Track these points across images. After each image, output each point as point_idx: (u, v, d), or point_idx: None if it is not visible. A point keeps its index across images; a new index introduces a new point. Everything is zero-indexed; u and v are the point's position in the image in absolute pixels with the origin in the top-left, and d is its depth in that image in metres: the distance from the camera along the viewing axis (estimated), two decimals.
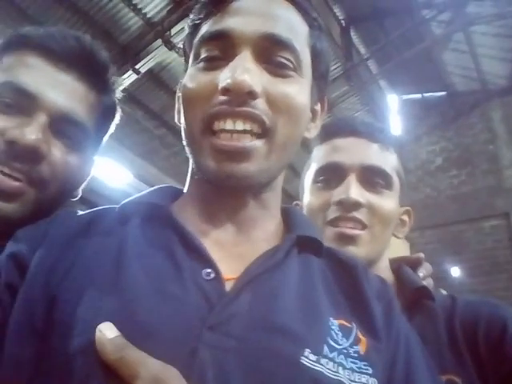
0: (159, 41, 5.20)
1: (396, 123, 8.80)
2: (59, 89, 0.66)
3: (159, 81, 5.98)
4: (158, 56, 5.33)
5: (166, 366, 0.41)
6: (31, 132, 0.62)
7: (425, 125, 8.66)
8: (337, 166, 0.85)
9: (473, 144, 8.10)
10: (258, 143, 0.53)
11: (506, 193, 7.42)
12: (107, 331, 0.42)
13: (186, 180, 0.64)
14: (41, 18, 4.75)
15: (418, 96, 8.78)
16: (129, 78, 5.16)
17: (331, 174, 0.86)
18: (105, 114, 0.74)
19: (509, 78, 7.83)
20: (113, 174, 5.45)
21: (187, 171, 0.62)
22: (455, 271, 7.26)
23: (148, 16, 5.26)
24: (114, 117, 0.79)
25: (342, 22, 7.21)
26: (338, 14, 7.06)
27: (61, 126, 0.66)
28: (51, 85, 0.65)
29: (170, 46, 5.22)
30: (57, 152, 0.66)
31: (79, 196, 0.77)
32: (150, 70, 5.54)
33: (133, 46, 5.30)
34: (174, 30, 5.12)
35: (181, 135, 0.60)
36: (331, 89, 6.97)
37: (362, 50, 7.68)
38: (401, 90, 8.64)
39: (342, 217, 0.81)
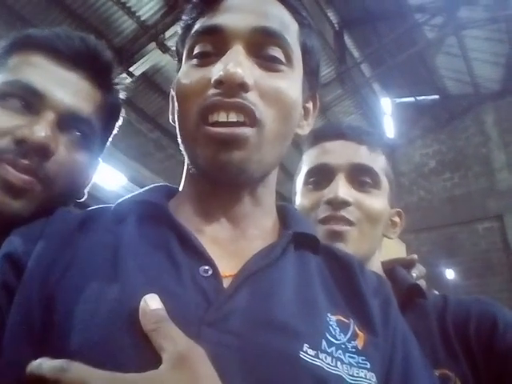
0: (153, 44, 5.21)
1: (389, 126, 8.86)
2: (66, 87, 0.67)
3: (153, 84, 5.98)
4: (151, 59, 5.34)
5: (195, 345, 0.42)
6: (40, 130, 0.62)
7: (418, 128, 8.72)
8: (326, 166, 0.88)
9: (466, 147, 8.17)
10: (249, 131, 0.53)
11: (498, 195, 7.49)
12: (151, 301, 0.44)
13: (179, 183, 0.64)
14: (34, 19, 4.75)
15: (412, 99, 8.84)
16: None
17: (321, 175, 0.89)
18: (109, 113, 0.75)
19: (501, 81, 7.91)
20: (107, 176, 5.43)
21: (181, 174, 0.62)
22: (449, 273, 7.30)
23: (142, 19, 5.27)
24: (118, 116, 0.80)
25: (336, 25, 7.26)
26: (331, 17, 7.11)
27: (68, 123, 0.67)
28: (58, 83, 0.66)
29: (164, 49, 5.24)
30: (64, 149, 0.66)
31: (85, 197, 0.77)
32: (143, 73, 5.55)
33: (127, 49, 5.31)
34: (167, 33, 5.14)
35: (175, 138, 0.60)
36: (325, 92, 7.01)
37: (356, 53, 7.73)
38: (394, 94, 8.70)
39: (331, 215, 0.83)
